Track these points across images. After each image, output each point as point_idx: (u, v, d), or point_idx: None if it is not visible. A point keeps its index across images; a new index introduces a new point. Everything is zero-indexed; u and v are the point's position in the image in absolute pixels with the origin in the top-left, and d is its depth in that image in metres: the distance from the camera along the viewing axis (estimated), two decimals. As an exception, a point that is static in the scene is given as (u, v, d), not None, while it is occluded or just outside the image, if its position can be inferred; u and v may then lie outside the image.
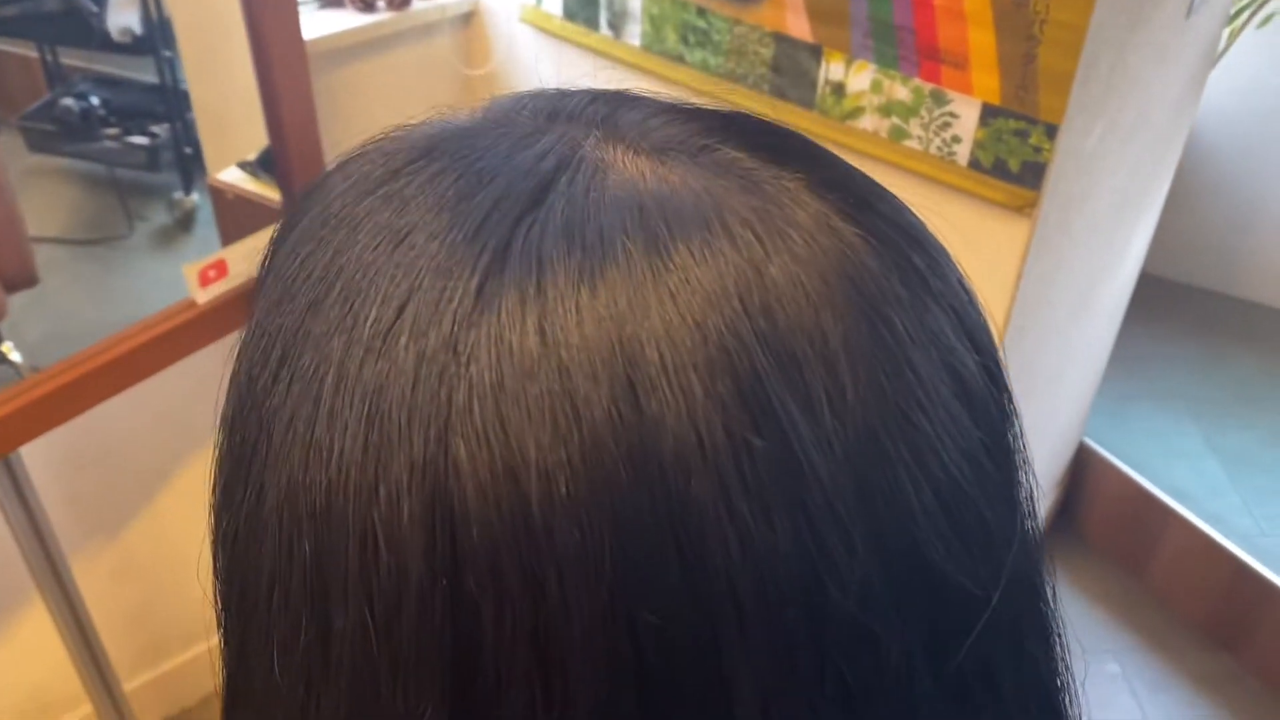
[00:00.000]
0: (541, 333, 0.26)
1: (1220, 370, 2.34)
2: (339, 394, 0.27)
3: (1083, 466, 2.10)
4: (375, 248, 0.29)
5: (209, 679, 1.80)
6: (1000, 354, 0.32)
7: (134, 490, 1.59)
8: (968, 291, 0.32)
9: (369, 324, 0.28)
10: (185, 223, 1.86)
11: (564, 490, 0.25)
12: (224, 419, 0.33)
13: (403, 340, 0.27)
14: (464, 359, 0.26)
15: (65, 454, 1.46)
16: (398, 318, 0.27)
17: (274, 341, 0.30)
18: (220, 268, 1.40)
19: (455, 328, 0.26)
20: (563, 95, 0.37)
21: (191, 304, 1.39)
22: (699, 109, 0.34)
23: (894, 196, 0.34)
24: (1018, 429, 0.32)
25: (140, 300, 1.81)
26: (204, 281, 1.38)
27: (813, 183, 0.30)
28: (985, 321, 0.32)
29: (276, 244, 0.37)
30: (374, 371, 0.27)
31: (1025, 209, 1.20)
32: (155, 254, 1.89)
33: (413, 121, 0.40)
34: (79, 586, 1.43)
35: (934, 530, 0.27)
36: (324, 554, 0.27)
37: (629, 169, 0.29)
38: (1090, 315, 1.72)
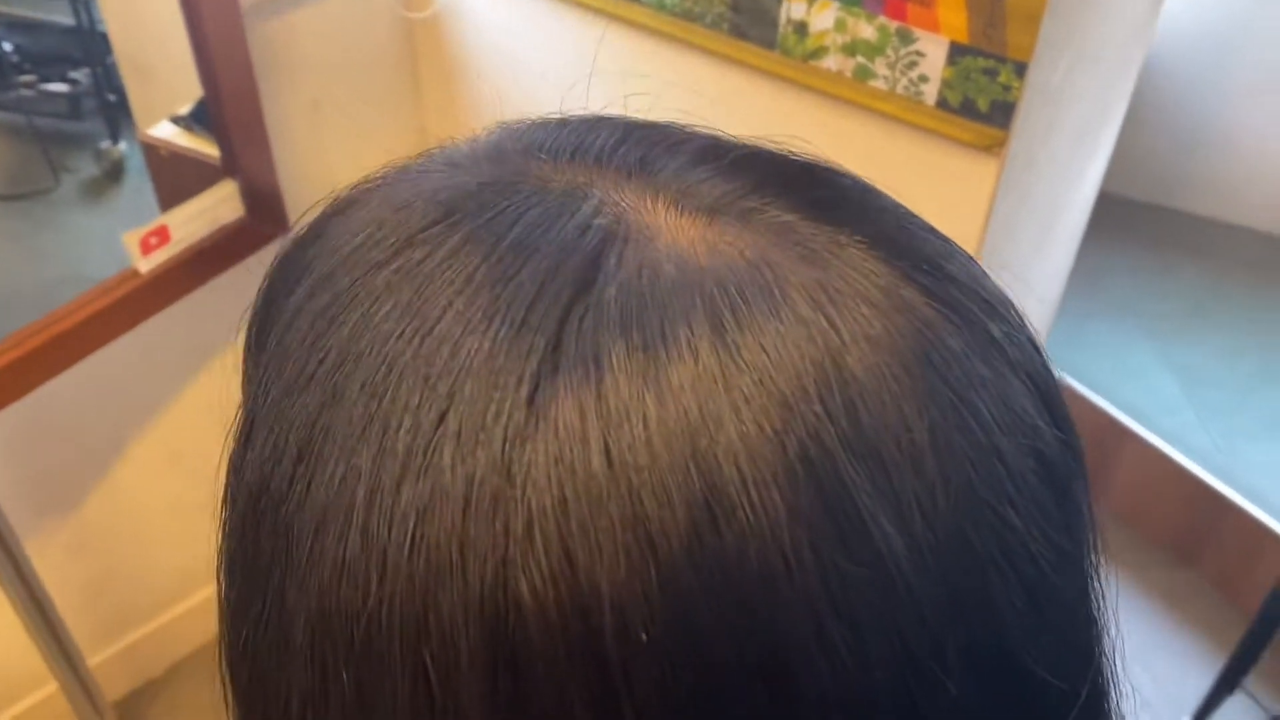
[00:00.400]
0: (606, 451, 0.23)
1: (1172, 286, 2.36)
2: (374, 513, 0.25)
3: (1041, 390, 2.11)
4: (399, 336, 0.27)
5: (173, 648, 1.77)
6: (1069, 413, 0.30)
7: (85, 464, 1.55)
8: (1038, 349, 0.30)
9: (403, 433, 0.25)
10: (114, 173, 1.78)
11: (640, 627, 0.22)
12: (232, 514, 0.30)
13: (447, 458, 0.24)
14: (520, 483, 0.23)
15: (11, 431, 1.41)
16: (438, 429, 0.25)
17: (286, 436, 0.27)
18: (162, 234, 1.34)
19: (507, 446, 0.24)
20: (580, 130, 0.34)
21: (134, 273, 1.34)
22: (739, 151, 0.31)
23: (958, 249, 0.32)
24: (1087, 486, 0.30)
25: (75, 257, 1.74)
26: (145, 249, 1.32)
27: (875, 244, 0.28)
28: (1056, 380, 0.30)
29: (271, 294, 0.34)
30: (415, 493, 0.24)
31: (994, 148, 1.18)
32: (85, 208, 1.81)
33: (413, 162, 0.37)
34: (35, 565, 1.39)
35: (1025, 632, 0.26)
36: (368, 687, 0.25)
37: (679, 238, 0.27)
38: (1052, 245, 1.72)
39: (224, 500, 0.31)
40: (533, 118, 0.39)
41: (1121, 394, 2.05)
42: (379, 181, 0.37)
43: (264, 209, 1.46)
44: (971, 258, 0.32)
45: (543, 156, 0.32)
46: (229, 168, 1.42)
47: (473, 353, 0.25)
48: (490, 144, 0.36)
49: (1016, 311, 0.31)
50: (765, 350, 0.24)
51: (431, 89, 1.67)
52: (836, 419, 0.24)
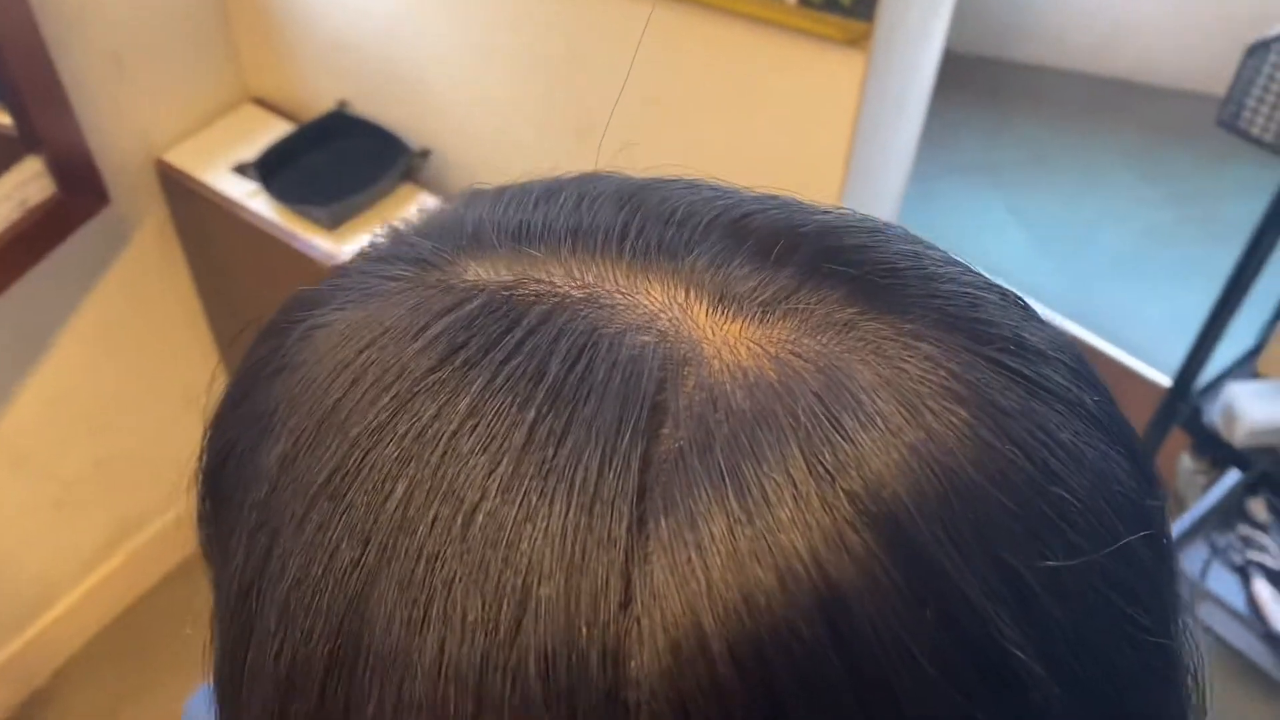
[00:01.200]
0: (726, 639, 0.21)
1: (1013, 137, 2.40)
2: None
3: (900, 256, 2.14)
4: (434, 524, 0.23)
5: (54, 655, 1.66)
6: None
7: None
8: (1115, 402, 0.28)
9: (465, 651, 0.22)
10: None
11: None
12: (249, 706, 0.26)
13: (534, 684, 0.21)
14: (633, 705, 0.21)
15: None
16: (512, 649, 0.22)
17: (310, 639, 0.24)
18: (-34, 228, 1.20)
19: (608, 663, 0.21)
20: (571, 204, 0.30)
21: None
22: (764, 216, 0.29)
23: (1026, 307, 0.29)
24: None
25: None
26: (-49, 248, 1.18)
27: (947, 326, 0.26)
28: (1136, 433, 0.29)
29: (229, 435, 0.30)
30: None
31: (859, 41, 1.14)
32: None
33: (367, 259, 0.31)
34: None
35: (1145, 694, 0.26)
36: None
37: (739, 352, 0.25)
38: (905, 118, 1.71)
39: (224, 689, 0.28)
40: (502, 185, 0.34)
41: (975, 250, 2.09)
42: (336, 290, 0.31)
43: (78, 181, 1.32)
44: (1034, 312, 0.29)
45: (538, 251, 0.29)
46: (29, 140, 1.27)
47: (539, 545, 0.22)
48: (464, 231, 0.30)
49: (1088, 363, 0.29)
50: (865, 475, 0.22)
51: (250, 42, 1.53)
52: (971, 558, 0.22)
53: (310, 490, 0.26)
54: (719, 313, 0.26)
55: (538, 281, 0.28)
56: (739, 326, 0.25)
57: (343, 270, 0.32)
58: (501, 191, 0.33)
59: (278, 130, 1.51)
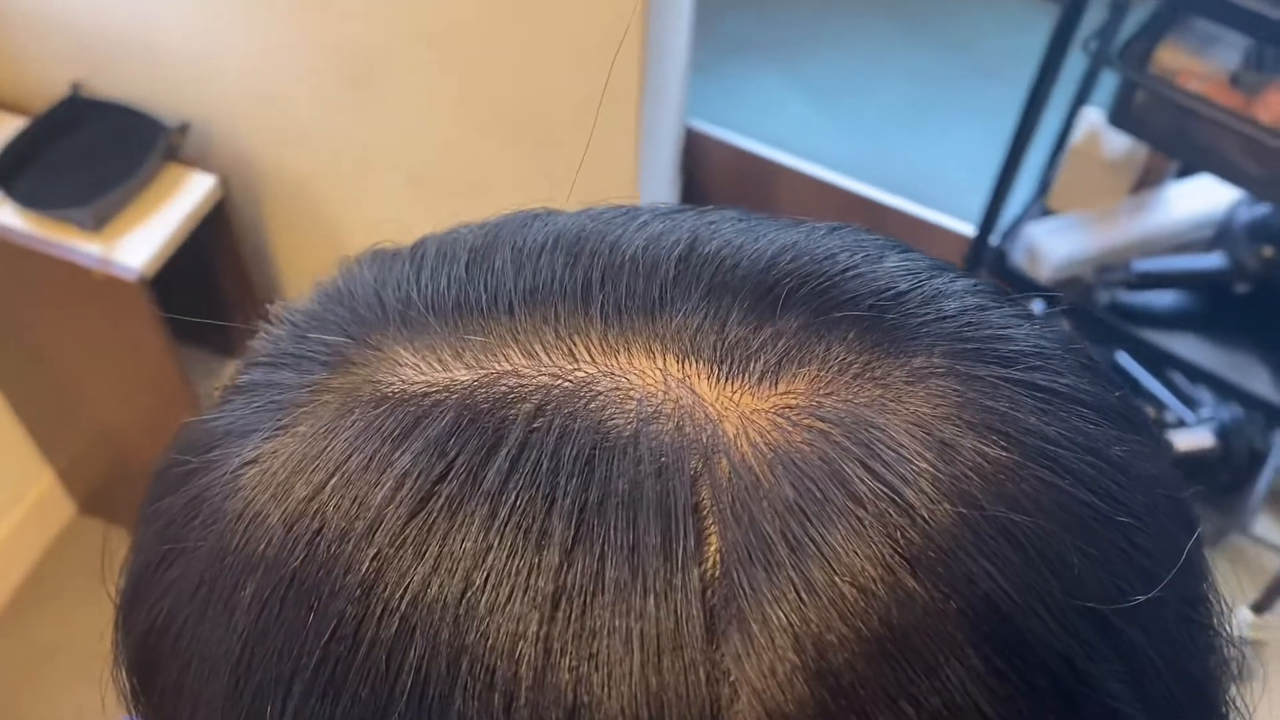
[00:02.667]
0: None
1: (776, 8, 2.39)
2: None
3: (693, 151, 2.12)
4: (465, 706, 0.20)
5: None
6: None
7: None
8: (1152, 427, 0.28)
9: None
10: None
11: None
12: None
13: None
14: None
15: None
16: None
17: None
18: None
19: None
20: (517, 263, 0.26)
21: None
22: (711, 252, 0.26)
23: (1025, 312, 0.27)
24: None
25: None
26: None
27: (968, 356, 0.24)
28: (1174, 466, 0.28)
29: (161, 598, 0.26)
30: None
31: (637, -57, 1.09)
32: None
33: (279, 338, 0.26)
34: None
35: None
36: None
37: (759, 424, 0.22)
38: (676, 15, 1.67)
39: None
40: (417, 242, 0.29)
41: (765, 130, 2.09)
42: (246, 410, 0.26)
43: None
44: (1024, 306, 0.28)
45: (489, 330, 0.25)
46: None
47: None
48: (384, 310, 0.26)
49: (1090, 349, 0.28)
50: (933, 550, 0.21)
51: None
52: (1048, 600, 0.21)
53: (299, 681, 0.22)
54: (723, 381, 0.23)
55: (505, 375, 0.23)
56: (751, 396, 0.23)
57: (244, 383, 0.27)
58: (417, 251, 0.28)
59: (7, 128, 1.34)
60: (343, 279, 0.28)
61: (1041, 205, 1.63)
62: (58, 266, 1.17)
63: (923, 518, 0.21)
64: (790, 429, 0.22)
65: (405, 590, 0.21)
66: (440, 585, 0.21)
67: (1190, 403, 1.73)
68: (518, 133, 1.26)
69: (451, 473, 0.22)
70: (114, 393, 1.35)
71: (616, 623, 0.20)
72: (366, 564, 0.21)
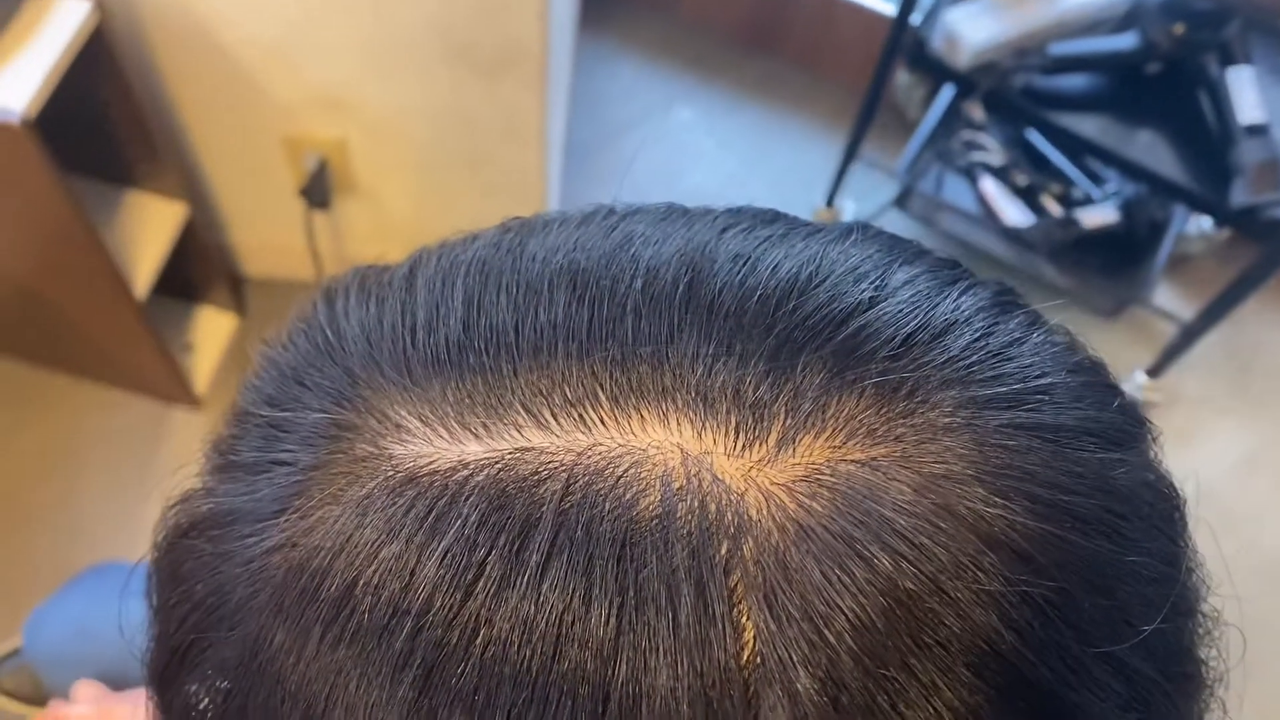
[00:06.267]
0: None
1: None
2: None
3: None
4: None
5: None
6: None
7: None
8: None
9: None
10: None
11: None
12: None
13: None
14: None
15: None
16: None
17: None
18: None
19: None
20: (519, 300, 0.26)
21: None
22: (720, 288, 0.26)
23: (1034, 321, 0.27)
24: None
25: None
26: None
27: (991, 405, 0.25)
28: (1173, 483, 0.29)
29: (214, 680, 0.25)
30: None
31: None
32: None
33: (263, 388, 0.25)
34: None
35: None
36: None
37: (787, 506, 0.22)
38: None
39: None
40: (409, 259, 0.27)
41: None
42: (251, 475, 0.25)
43: None
44: (1037, 314, 0.29)
45: (493, 388, 0.25)
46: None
47: None
48: (378, 355, 0.25)
49: (1098, 362, 0.29)
50: (961, 628, 0.22)
51: None
52: (1068, 659, 0.22)
53: None
54: (742, 451, 0.23)
55: (524, 452, 0.23)
56: (770, 467, 0.23)
57: (242, 451, 0.26)
58: (406, 289, 0.27)
59: None
60: (327, 322, 0.27)
61: (959, -14, 1.59)
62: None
63: (944, 594, 0.22)
64: (810, 501, 0.22)
65: (476, 680, 0.21)
66: (511, 664, 0.21)
67: (1097, 180, 1.77)
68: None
69: (489, 566, 0.22)
70: (9, 233, 1.28)
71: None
72: (419, 658, 0.22)
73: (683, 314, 0.25)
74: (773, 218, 0.29)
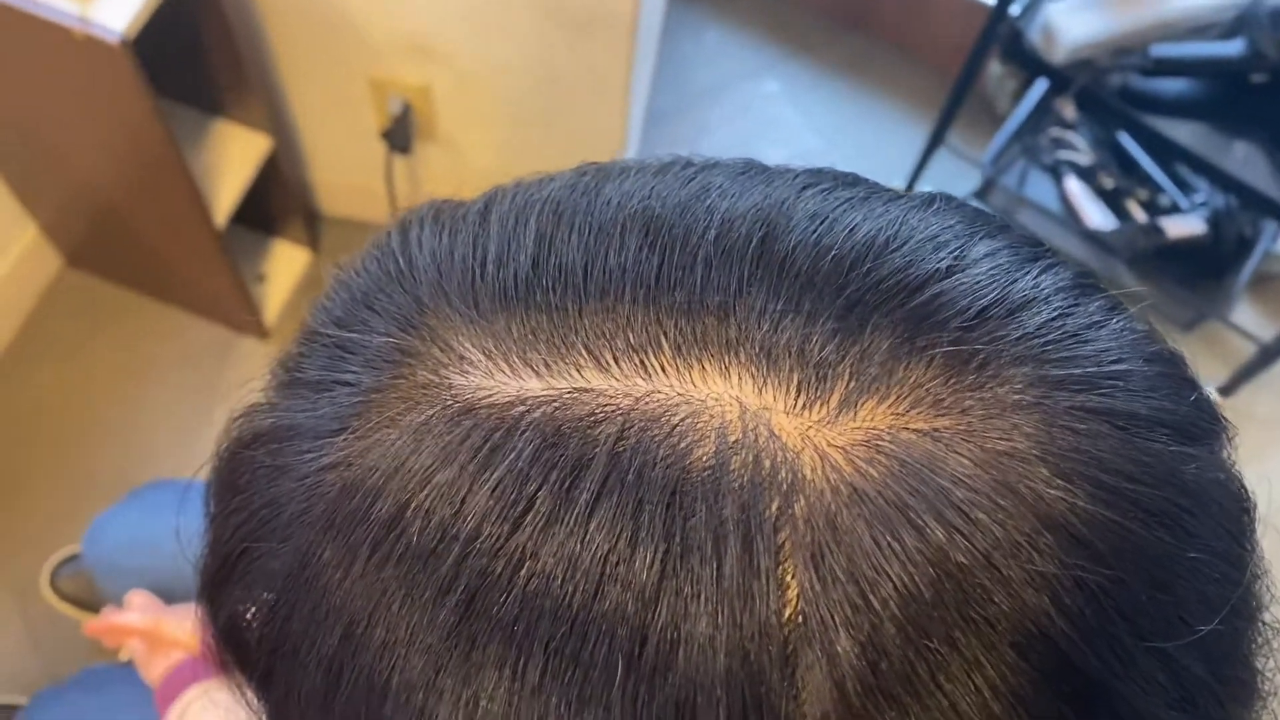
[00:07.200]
0: None
1: None
2: None
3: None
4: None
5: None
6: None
7: None
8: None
9: None
10: None
11: None
12: None
13: None
14: None
15: None
16: None
17: None
18: None
19: None
20: (589, 242, 0.26)
21: None
22: (807, 248, 0.25)
23: (1112, 307, 0.27)
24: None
25: None
26: None
27: (1046, 383, 0.24)
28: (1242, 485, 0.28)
29: (257, 588, 0.26)
30: None
31: None
32: None
33: (333, 309, 0.26)
34: None
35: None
36: None
37: (842, 468, 0.22)
38: None
39: None
40: (485, 195, 0.27)
41: None
42: (312, 392, 0.26)
43: None
44: (1116, 299, 0.28)
45: (557, 326, 0.25)
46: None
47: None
48: (448, 284, 0.26)
49: (1177, 356, 0.28)
50: (1009, 611, 0.21)
51: None
52: (1119, 650, 0.22)
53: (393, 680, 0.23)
54: (802, 410, 0.23)
55: (582, 393, 0.23)
56: (829, 428, 0.23)
57: (307, 368, 0.26)
58: (480, 223, 0.27)
59: None
60: (400, 250, 0.27)
61: (1063, -22, 1.55)
62: (37, 26, 1.11)
63: (995, 571, 0.21)
64: (867, 466, 0.22)
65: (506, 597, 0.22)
66: (550, 595, 0.22)
67: (1187, 189, 1.72)
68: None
69: (538, 501, 0.22)
70: (98, 151, 1.31)
71: (696, 674, 0.21)
72: (463, 584, 0.22)
73: (754, 268, 0.24)
74: (854, 180, 0.28)
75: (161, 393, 1.61)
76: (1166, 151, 1.54)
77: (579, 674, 0.21)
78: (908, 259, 0.25)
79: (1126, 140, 1.75)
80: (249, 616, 0.25)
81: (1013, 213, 1.82)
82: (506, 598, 0.22)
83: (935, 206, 0.27)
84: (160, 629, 0.82)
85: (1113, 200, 1.73)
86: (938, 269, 0.25)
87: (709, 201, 0.26)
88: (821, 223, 0.26)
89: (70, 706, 0.98)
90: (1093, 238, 1.71)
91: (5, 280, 1.56)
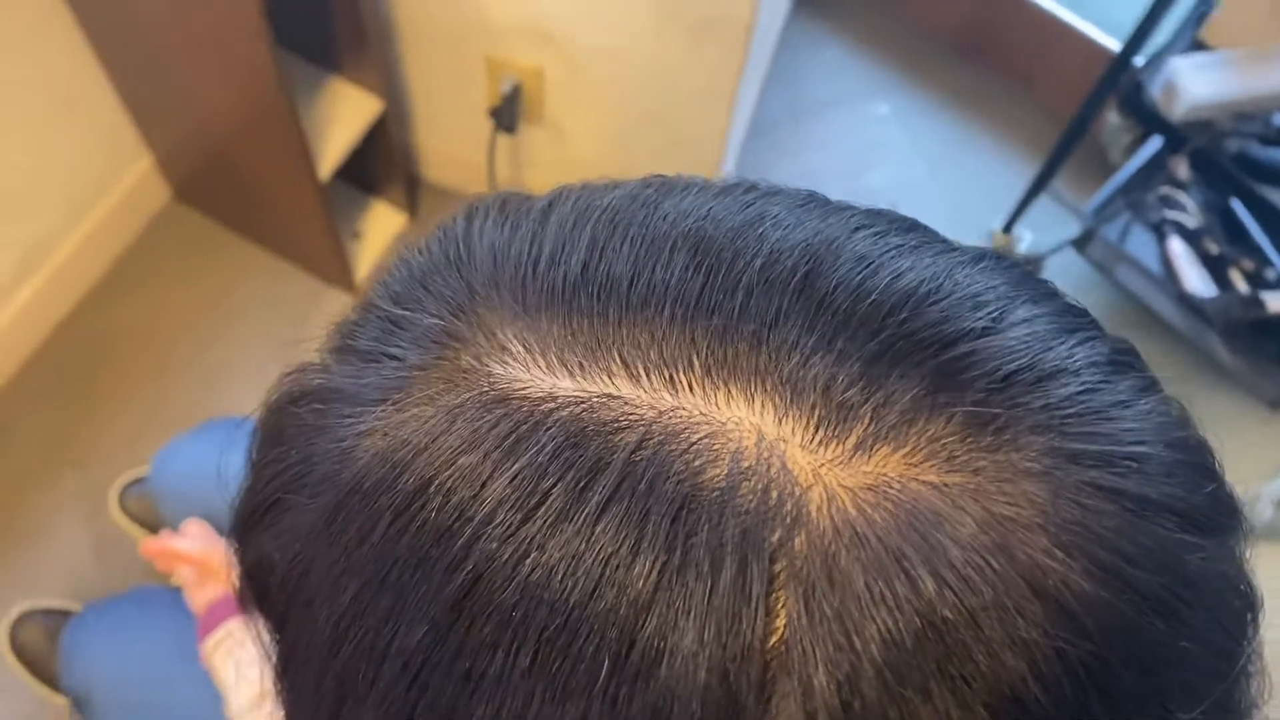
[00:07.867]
0: None
1: None
2: None
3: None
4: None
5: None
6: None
7: None
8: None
9: None
10: None
11: None
12: None
13: None
14: None
15: None
16: None
17: None
18: None
19: None
20: (638, 257, 0.27)
21: None
22: (832, 285, 0.26)
23: (1140, 378, 0.27)
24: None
25: None
26: None
27: (1063, 456, 0.24)
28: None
29: (286, 546, 0.27)
30: None
31: None
32: None
33: (394, 286, 0.27)
34: None
35: None
36: None
37: (848, 509, 0.23)
38: None
39: None
40: (552, 193, 0.28)
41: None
42: (357, 364, 0.27)
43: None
44: (1140, 361, 0.28)
45: (596, 330, 0.26)
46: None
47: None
48: (504, 289, 0.27)
49: (1202, 444, 0.28)
50: (995, 678, 0.22)
51: None
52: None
53: (391, 658, 0.24)
54: (818, 447, 0.24)
55: (610, 399, 0.24)
56: (842, 469, 0.23)
57: (361, 337, 0.28)
58: (542, 220, 0.28)
59: None
60: (462, 237, 0.28)
61: (1193, 36, 1.52)
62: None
63: (979, 630, 0.22)
64: (872, 511, 0.23)
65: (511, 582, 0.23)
66: (550, 589, 0.23)
67: (1295, 264, 1.67)
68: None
69: (552, 497, 0.23)
70: (215, 91, 1.35)
71: (676, 685, 0.22)
72: (471, 564, 0.23)
73: (793, 301, 0.25)
74: (910, 227, 0.29)
75: (245, 332, 1.66)
76: (1278, 224, 1.50)
77: (566, 666, 0.22)
78: (945, 314, 0.25)
79: (1238, 207, 1.71)
80: (274, 560, 0.27)
81: (1110, 265, 1.78)
82: (509, 584, 0.23)
83: (984, 265, 0.27)
84: (210, 559, 0.85)
85: (1215, 267, 1.69)
86: (973, 328, 0.25)
87: (762, 230, 0.27)
88: (867, 266, 0.26)
89: (114, 622, 1.02)
90: (1189, 302, 1.67)
91: (117, 206, 1.62)
